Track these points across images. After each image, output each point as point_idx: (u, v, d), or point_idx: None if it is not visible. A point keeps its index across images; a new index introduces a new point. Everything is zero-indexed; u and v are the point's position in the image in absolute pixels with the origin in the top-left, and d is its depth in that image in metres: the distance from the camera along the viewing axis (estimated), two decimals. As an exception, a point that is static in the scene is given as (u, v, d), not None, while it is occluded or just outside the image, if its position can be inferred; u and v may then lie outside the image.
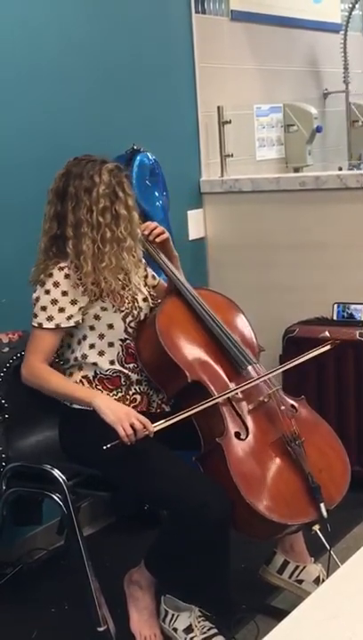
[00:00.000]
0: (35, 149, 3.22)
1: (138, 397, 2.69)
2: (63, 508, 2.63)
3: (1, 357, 2.82)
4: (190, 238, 3.98)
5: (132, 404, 2.66)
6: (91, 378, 2.66)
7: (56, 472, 2.64)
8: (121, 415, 2.48)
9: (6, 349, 2.85)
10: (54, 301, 2.58)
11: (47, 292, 2.59)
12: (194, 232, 4.02)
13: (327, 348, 2.83)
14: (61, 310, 2.59)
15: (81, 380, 2.66)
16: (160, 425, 2.49)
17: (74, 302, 2.60)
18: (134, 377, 2.68)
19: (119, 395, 2.66)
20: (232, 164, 4.16)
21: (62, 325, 2.60)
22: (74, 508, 2.63)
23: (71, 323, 2.60)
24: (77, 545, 2.64)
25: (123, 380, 2.67)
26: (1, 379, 2.80)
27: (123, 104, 3.61)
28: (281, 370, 2.89)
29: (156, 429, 2.48)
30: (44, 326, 2.60)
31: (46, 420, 2.90)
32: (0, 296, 3.13)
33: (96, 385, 2.66)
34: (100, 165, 2.62)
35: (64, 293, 2.59)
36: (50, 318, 2.59)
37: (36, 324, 2.61)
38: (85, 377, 2.67)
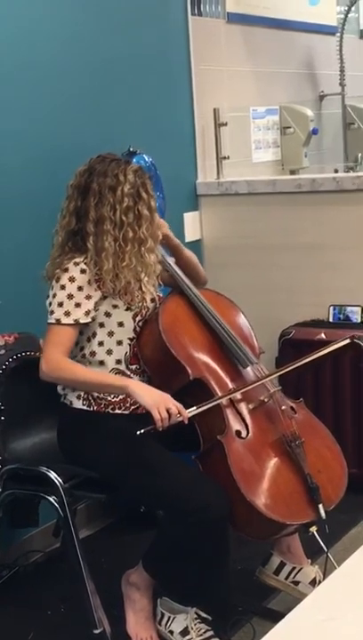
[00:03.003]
0: (32, 151, 3.22)
1: (139, 401, 2.68)
2: (59, 510, 2.63)
3: (-3, 359, 2.82)
4: (187, 240, 3.98)
5: (132, 407, 2.66)
6: None
7: (52, 474, 2.64)
8: (158, 399, 2.49)
9: (2, 351, 2.84)
10: (70, 296, 2.57)
11: (63, 287, 2.58)
12: (190, 234, 4.02)
13: (347, 341, 2.83)
14: (78, 305, 2.58)
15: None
16: (193, 411, 2.51)
17: (88, 297, 2.59)
18: (136, 379, 2.68)
19: (120, 397, 2.65)
20: (228, 167, 4.16)
21: (81, 321, 2.58)
22: (70, 510, 2.63)
23: (88, 319, 2.59)
24: (74, 547, 2.64)
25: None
26: (-3, 381, 2.80)
27: (119, 106, 3.61)
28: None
29: (190, 415, 2.50)
30: (63, 322, 2.57)
31: (43, 421, 2.90)
32: (-4, 298, 3.13)
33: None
34: (124, 165, 2.63)
35: (79, 288, 2.58)
36: (67, 314, 2.57)
37: (54, 321, 2.58)
38: None
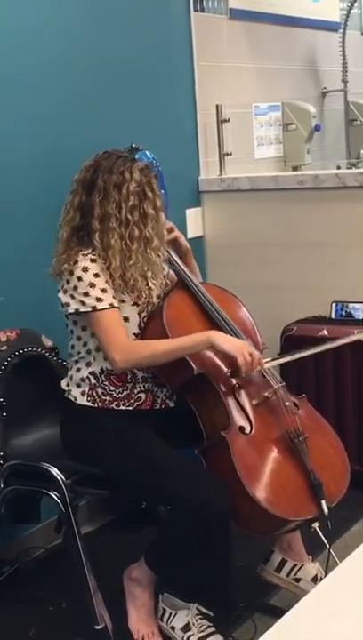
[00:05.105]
0: (34, 149, 3.22)
1: (142, 396, 2.68)
2: (61, 507, 2.63)
3: (-1, 356, 2.82)
4: (189, 237, 3.97)
5: (136, 403, 2.66)
6: (97, 374, 2.65)
7: (54, 470, 2.64)
8: (240, 345, 2.57)
9: (4, 348, 2.85)
10: (92, 285, 2.54)
11: (80, 278, 2.54)
12: (192, 230, 4.02)
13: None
14: (104, 291, 2.55)
15: (88, 377, 2.65)
16: (269, 361, 2.67)
17: (108, 282, 2.57)
18: (140, 374, 2.67)
19: (125, 393, 2.65)
20: (231, 163, 4.16)
21: (115, 305, 2.56)
22: (72, 507, 2.63)
23: (116, 302, 2.57)
24: (75, 543, 2.64)
25: (129, 376, 2.66)
26: (-1, 377, 2.80)
27: (121, 102, 3.61)
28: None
29: (266, 366, 2.65)
30: (99, 307, 2.53)
31: (44, 418, 2.91)
32: (-2, 294, 3.13)
33: (103, 381, 2.65)
34: (130, 162, 2.62)
35: (96, 275, 2.55)
36: (99, 300, 2.54)
37: (90, 309, 2.54)
38: (92, 373, 2.65)
